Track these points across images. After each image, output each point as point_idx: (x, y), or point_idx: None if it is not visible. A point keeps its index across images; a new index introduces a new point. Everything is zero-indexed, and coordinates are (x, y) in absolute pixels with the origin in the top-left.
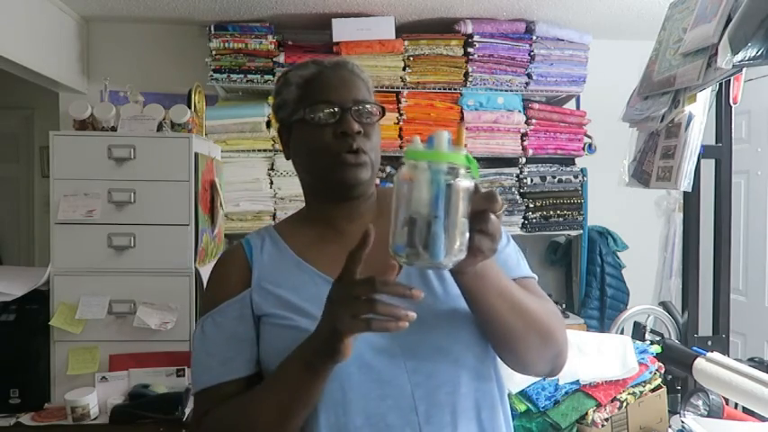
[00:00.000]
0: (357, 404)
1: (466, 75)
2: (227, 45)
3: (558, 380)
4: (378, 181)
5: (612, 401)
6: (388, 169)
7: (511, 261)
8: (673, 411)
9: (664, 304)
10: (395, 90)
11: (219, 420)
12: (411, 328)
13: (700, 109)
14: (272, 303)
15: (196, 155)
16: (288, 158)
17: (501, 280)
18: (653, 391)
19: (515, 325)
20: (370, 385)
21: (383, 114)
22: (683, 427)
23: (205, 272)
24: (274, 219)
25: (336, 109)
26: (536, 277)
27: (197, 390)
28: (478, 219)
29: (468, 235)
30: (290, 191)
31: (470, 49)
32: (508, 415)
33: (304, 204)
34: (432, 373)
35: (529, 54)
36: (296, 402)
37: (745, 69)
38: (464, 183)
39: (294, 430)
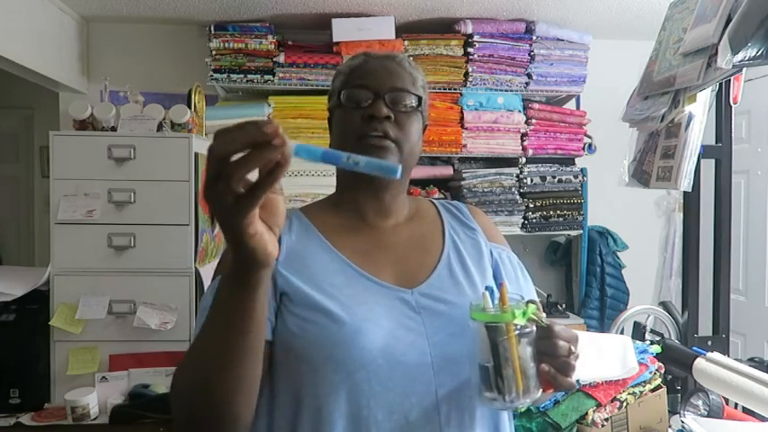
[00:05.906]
0: (381, 397)
1: (466, 75)
2: (227, 45)
3: None
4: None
5: (612, 401)
6: None
7: (525, 288)
8: (673, 411)
9: (664, 304)
10: None
11: (180, 364)
12: (443, 328)
13: (700, 109)
14: (300, 280)
15: (196, 155)
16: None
17: None
18: (653, 391)
19: None
20: (398, 381)
21: (419, 104)
22: (683, 427)
23: (205, 272)
24: None
25: (371, 94)
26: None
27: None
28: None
29: (536, 377)
30: (291, 191)
31: (470, 49)
32: (513, 423)
33: (310, 200)
34: (456, 376)
35: (529, 54)
36: (234, 325)
37: (745, 69)
38: (524, 332)
39: (238, 367)
